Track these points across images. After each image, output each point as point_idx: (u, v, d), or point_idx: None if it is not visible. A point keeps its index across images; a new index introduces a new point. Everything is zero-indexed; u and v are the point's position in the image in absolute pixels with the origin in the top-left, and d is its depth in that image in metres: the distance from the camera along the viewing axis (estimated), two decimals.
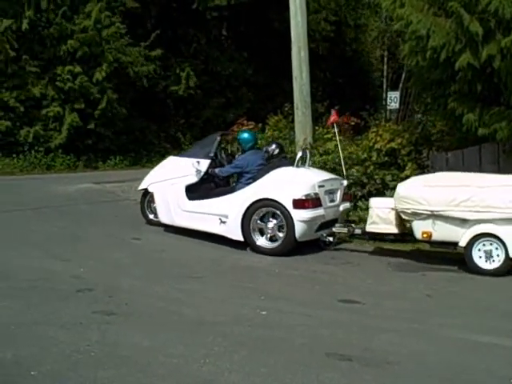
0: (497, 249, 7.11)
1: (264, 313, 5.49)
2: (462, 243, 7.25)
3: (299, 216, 7.90)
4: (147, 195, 9.78)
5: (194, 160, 9.00)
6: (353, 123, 13.48)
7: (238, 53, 27.17)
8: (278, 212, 8.03)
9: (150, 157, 21.81)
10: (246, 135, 9.38)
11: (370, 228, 8.14)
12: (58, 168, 19.82)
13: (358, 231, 8.43)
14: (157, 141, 23.50)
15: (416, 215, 7.52)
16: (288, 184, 8.20)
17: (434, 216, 7.38)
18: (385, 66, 28.32)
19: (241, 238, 8.25)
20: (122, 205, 11.77)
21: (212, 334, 4.82)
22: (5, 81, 19.01)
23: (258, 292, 6.17)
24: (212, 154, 9.18)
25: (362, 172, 9.93)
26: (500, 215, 7.04)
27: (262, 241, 8.20)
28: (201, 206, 8.78)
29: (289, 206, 7.92)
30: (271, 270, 7.25)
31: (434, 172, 8.67)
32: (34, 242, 8.13)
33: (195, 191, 9.03)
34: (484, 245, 7.17)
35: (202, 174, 9.04)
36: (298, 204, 7.92)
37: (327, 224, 8.40)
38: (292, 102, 12.16)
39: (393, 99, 20.49)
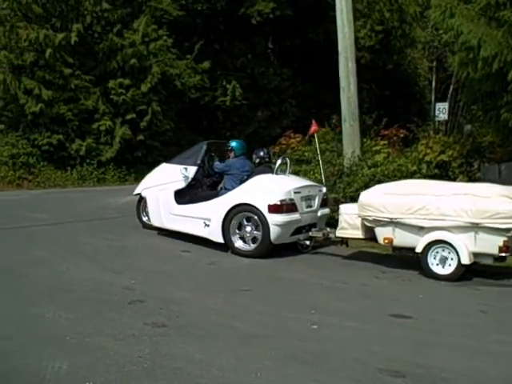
0: (450, 254, 7.31)
1: (315, 327, 5.45)
2: (419, 249, 7.53)
3: (274, 220, 8.38)
4: (142, 200, 10.32)
5: (183, 167, 9.55)
6: (401, 135, 13.37)
7: (283, 67, 27.25)
8: (255, 216, 8.50)
9: None
10: (235, 143, 9.80)
11: (339, 233, 8.52)
12: (108, 181, 20.20)
13: (331, 235, 8.72)
14: None
15: (377, 222, 7.81)
16: (265, 190, 8.68)
17: (394, 223, 7.65)
18: (434, 77, 27.90)
19: (221, 241, 8.79)
20: None
21: (263, 348, 4.81)
22: (61, 95, 19.51)
23: (308, 305, 6.12)
24: (199, 162, 9.68)
25: None
26: (452, 223, 7.27)
27: (239, 243, 8.70)
28: (188, 209, 9.33)
29: (264, 210, 8.41)
30: (321, 284, 7.20)
31: None
32: (86, 254, 8.30)
33: (183, 196, 9.58)
34: (437, 252, 7.40)
35: (190, 179, 9.56)
36: (273, 209, 8.38)
37: (305, 228, 8.85)
38: (339, 114, 12.12)
39: (441, 110, 20.18)
